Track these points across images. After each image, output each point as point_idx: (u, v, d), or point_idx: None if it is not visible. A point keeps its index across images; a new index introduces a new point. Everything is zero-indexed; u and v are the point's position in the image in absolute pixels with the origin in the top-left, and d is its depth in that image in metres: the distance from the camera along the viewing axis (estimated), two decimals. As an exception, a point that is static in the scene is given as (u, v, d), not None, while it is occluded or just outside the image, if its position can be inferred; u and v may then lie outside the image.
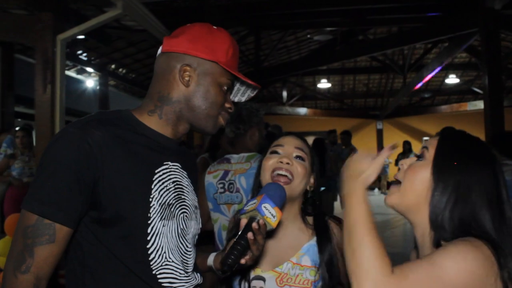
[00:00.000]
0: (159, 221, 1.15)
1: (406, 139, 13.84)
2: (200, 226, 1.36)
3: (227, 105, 1.28)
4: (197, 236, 1.36)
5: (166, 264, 1.17)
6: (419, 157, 1.15)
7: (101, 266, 1.11)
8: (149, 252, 1.14)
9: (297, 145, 1.56)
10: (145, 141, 1.20)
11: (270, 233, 1.29)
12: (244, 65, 11.52)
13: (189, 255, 1.27)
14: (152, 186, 1.16)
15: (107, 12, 4.72)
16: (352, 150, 8.12)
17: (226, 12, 7.79)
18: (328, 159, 7.32)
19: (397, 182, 1.16)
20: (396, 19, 8.89)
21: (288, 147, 1.55)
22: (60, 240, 1.07)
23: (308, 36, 11.67)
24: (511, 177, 3.87)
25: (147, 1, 5.36)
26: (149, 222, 1.13)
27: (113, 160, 1.10)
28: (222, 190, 2.61)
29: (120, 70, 11.65)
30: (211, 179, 2.66)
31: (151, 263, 1.14)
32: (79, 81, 11.35)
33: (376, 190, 15.24)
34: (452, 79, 14.93)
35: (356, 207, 1.04)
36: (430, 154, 1.13)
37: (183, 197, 1.26)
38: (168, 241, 1.18)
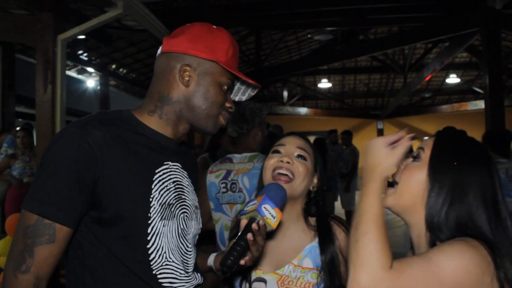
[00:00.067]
0: (159, 221, 1.15)
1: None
2: (201, 226, 1.36)
3: (227, 104, 1.27)
4: (197, 236, 1.36)
5: (166, 264, 1.17)
6: (415, 158, 1.15)
7: (101, 266, 1.11)
8: (149, 252, 1.14)
9: (299, 144, 1.55)
10: (145, 141, 1.20)
11: (272, 234, 1.28)
12: (245, 65, 11.51)
13: (190, 255, 1.27)
14: (153, 186, 1.16)
15: (107, 12, 4.71)
16: (353, 150, 8.12)
17: (227, 12, 7.78)
18: (328, 159, 7.32)
19: (393, 183, 1.16)
20: (397, 18, 8.87)
21: (290, 146, 1.54)
22: (60, 240, 1.07)
23: (309, 36, 11.66)
24: (505, 175, 3.89)
25: (147, 1, 5.36)
26: (149, 222, 1.13)
27: (114, 160, 1.10)
28: (224, 190, 2.60)
29: (121, 70, 11.64)
30: (213, 178, 2.65)
31: (151, 263, 1.14)
32: (80, 81, 11.34)
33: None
34: (452, 79, 14.91)
35: (369, 198, 1.02)
36: (426, 155, 1.13)
37: (183, 197, 1.26)
38: (168, 241, 1.18)
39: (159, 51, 1.27)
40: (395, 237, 7.98)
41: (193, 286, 1.24)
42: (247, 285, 1.50)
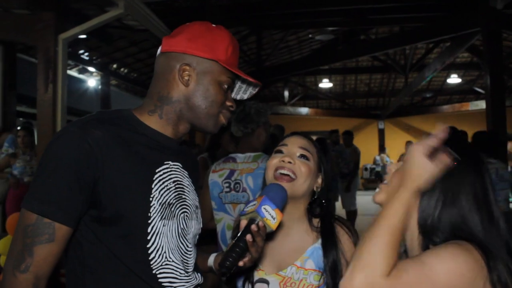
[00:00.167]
0: (159, 221, 1.15)
1: (407, 139, 13.82)
2: (201, 226, 1.36)
3: (228, 103, 1.27)
4: (197, 236, 1.35)
5: (166, 264, 1.17)
6: None
7: (101, 266, 1.11)
8: (149, 251, 1.13)
9: (301, 144, 1.54)
10: (146, 141, 1.20)
11: (274, 235, 1.27)
12: (246, 64, 11.50)
13: (190, 255, 1.27)
14: (153, 186, 1.16)
15: (108, 12, 4.71)
16: (354, 150, 8.12)
17: (228, 11, 7.79)
18: (329, 159, 7.31)
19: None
20: (398, 18, 8.86)
21: (292, 146, 1.54)
22: (60, 239, 1.07)
23: (310, 35, 11.65)
24: (495, 175, 3.91)
25: (148, 1, 5.36)
26: (149, 221, 1.13)
27: (114, 159, 1.10)
28: (227, 190, 2.60)
29: (122, 69, 11.64)
30: (216, 178, 2.65)
31: (151, 262, 1.14)
32: (81, 81, 11.35)
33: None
34: (454, 79, 14.89)
35: (394, 204, 0.99)
36: None
37: (183, 196, 1.26)
38: (168, 241, 1.18)
39: (159, 51, 1.27)
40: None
41: (193, 286, 1.24)
42: (250, 286, 1.49)
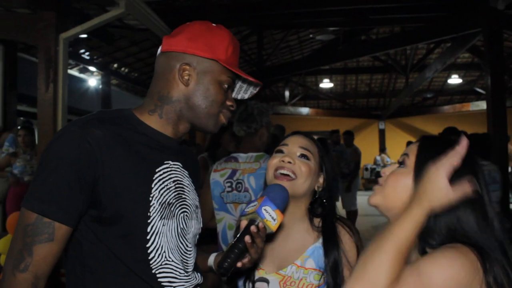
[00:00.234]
0: (159, 220, 1.15)
1: (408, 140, 13.82)
2: (201, 225, 1.36)
3: (228, 103, 1.27)
4: (198, 236, 1.35)
5: (166, 264, 1.16)
6: (401, 164, 1.15)
7: (101, 266, 1.11)
8: (148, 251, 1.13)
9: (302, 144, 1.54)
10: (146, 140, 1.20)
11: (276, 234, 1.27)
12: (247, 64, 11.50)
13: (189, 254, 1.26)
14: (153, 185, 1.16)
15: (109, 11, 4.72)
16: (355, 150, 8.11)
17: (229, 11, 7.78)
18: (330, 159, 7.29)
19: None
20: (399, 19, 8.86)
21: (292, 146, 1.53)
22: (59, 238, 1.07)
23: (311, 35, 11.65)
24: (487, 177, 3.95)
25: (149, 0, 5.36)
26: (149, 221, 1.13)
27: (114, 159, 1.10)
28: (229, 189, 2.60)
29: (123, 69, 11.65)
30: (217, 177, 2.65)
31: (151, 262, 1.14)
32: (82, 80, 11.35)
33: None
34: (454, 79, 14.90)
35: (405, 221, 0.95)
36: (411, 161, 1.12)
37: (183, 196, 1.26)
38: (168, 241, 1.17)
39: (159, 50, 1.26)
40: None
41: (192, 286, 1.24)
42: (250, 285, 1.49)
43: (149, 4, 5.20)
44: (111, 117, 1.18)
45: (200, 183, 1.62)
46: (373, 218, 8.28)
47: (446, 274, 0.92)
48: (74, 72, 10.81)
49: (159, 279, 1.15)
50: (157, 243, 1.15)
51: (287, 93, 14.93)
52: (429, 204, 0.96)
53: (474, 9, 6.93)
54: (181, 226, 1.23)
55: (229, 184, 2.61)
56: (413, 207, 0.96)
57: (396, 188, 1.12)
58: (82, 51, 9.77)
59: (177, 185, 1.24)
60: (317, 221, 1.52)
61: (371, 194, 1.18)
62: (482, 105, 12.60)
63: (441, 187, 0.95)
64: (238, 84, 1.37)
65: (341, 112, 17.44)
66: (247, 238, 1.16)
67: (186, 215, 1.26)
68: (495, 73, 6.45)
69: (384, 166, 15.09)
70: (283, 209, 1.25)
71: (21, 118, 8.34)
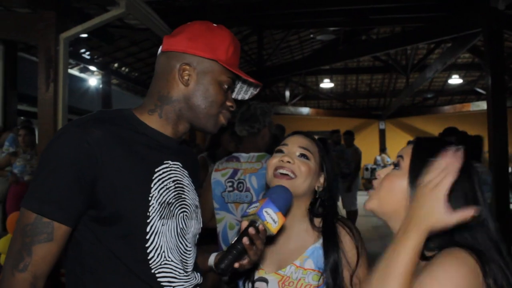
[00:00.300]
0: (158, 220, 1.15)
1: (408, 140, 13.79)
2: (201, 225, 1.36)
3: (228, 103, 1.27)
4: (198, 236, 1.35)
5: (165, 264, 1.16)
6: (395, 166, 1.15)
7: (101, 266, 1.11)
8: (148, 251, 1.13)
9: (301, 144, 1.53)
10: (146, 140, 1.19)
11: (276, 235, 1.27)
12: (247, 64, 11.50)
13: (189, 254, 1.26)
14: (152, 185, 1.15)
15: (110, 11, 4.72)
16: (355, 150, 8.11)
17: (229, 11, 7.77)
18: (331, 159, 7.30)
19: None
20: (399, 19, 8.85)
21: (292, 146, 1.53)
22: (59, 238, 1.07)
23: (311, 35, 11.64)
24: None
25: (150, 0, 5.36)
26: (148, 221, 1.13)
27: (113, 159, 1.10)
28: (230, 189, 2.60)
29: (123, 69, 11.65)
30: (219, 177, 2.65)
31: (150, 262, 1.14)
32: (82, 80, 11.35)
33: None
34: (455, 80, 14.89)
35: (405, 250, 0.93)
36: (405, 163, 1.12)
37: (183, 196, 1.25)
38: (167, 240, 1.17)
39: (159, 50, 1.26)
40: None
41: (192, 286, 1.24)
42: (250, 284, 1.49)
43: (150, 4, 5.20)
44: (111, 117, 1.18)
45: (200, 183, 1.62)
46: (373, 218, 8.21)
47: None
48: (74, 71, 10.81)
49: (158, 279, 1.14)
50: (156, 243, 1.15)
51: (287, 93, 14.92)
52: (426, 228, 0.94)
53: (474, 9, 6.92)
54: (181, 226, 1.23)
55: (230, 184, 2.61)
56: (411, 232, 0.94)
57: (391, 190, 1.12)
58: (82, 50, 9.77)
59: (176, 185, 1.24)
60: (317, 221, 1.52)
61: (366, 200, 1.17)
62: (483, 105, 12.61)
63: (440, 212, 0.93)
64: (239, 84, 1.36)
65: (342, 112, 17.44)
66: (245, 240, 1.15)
67: (186, 215, 1.25)
68: (496, 73, 6.44)
69: (385, 166, 15.08)
70: (285, 212, 1.24)
71: (21, 118, 8.35)
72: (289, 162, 1.48)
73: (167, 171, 1.21)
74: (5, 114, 7.64)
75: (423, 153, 1.12)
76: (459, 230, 1.02)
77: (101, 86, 11.29)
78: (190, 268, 1.26)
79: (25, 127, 6.11)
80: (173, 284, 1.18)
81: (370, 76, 15.80)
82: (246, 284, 1.50)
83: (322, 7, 7.80)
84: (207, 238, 2.13)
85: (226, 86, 1.24)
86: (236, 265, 1.18)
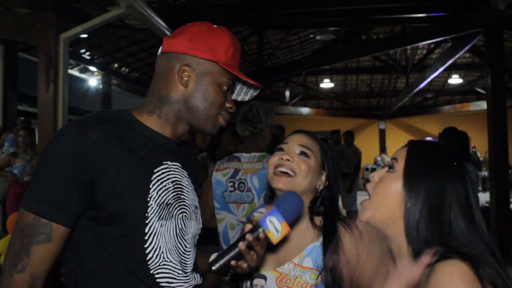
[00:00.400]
0: (157, 221, 1.15)
1: (408, 139, 13.80)
2: (201, 226, 1.35)
3: (227, 105, 1.26)
4: (197, 236, 1.35)
5: (164, 264, 1.16)
6: (389, 168, 1.14)
7: (101, 266, 1.11)
8: (146, 252, 1.13)
9: (301, 142, 1.54)
10: (144, 141, 1.19)
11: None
12: (247, 64, 11.50)
13: (188, 255, 1.26)
14: (151, 186, 1.15)
15: (110, 11, 4.72)
16: (355, 150, 8.11)
17: (229, 11, 7.77)
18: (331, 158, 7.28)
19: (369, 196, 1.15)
20: (399, 19, 8.86)
21: (292, 144, 1.54)
22: (57, 239, 1.07)
23: (311, 35, 11.65)
24: None
25: (150, 0, 5.36)
26: (146, 222, 1.13)
27: (112, 159, 1.10)
28: (232, 189, 2.60)
29: (123, 69, 11.65)
30: (220, 177, 2.65)
31: (149, 262, 1.14)
32: (82, 80, 11.36)
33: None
34: (455, 79, 14.89)
35: None
36: (399, 165, 1.11)
37: (182, 197, 1.25)
38: (166, 241, 1.17)
39: (159, 51, 1.26)
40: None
41: (191, 287, 1.24)
42: (249, 281, 1.50)
43: (150, 4, 5.21)
44: (110, 117, 1.18)
45: (200, 183, 1.62)
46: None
47: None
48: (74, 72, 10.82)
49: (157, 280, 1.14)
50: (155, 243, 1.15)
51: (287, 93, 14.93)
52: None
53: (474, 9, 6.92)
54: (180, 226, 1.23)
55: (231, 184, 2.61)
56: None
57: (385, 195, 1.11)
58: (82, 51, 9.77)
59: (176, 186, 1.23)
60: (318, 220, 1.51)
61: (360, 211, 1.16)
62: (483, 105, 12.60)
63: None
64: (239, 86, 1.36)
65: (342, 112, 17.44)
66: (241, 245, 1.15)
67: (185, 216, 1.25)
68: (496, 73, 6.45)
69: (385, 166, 15.08)
70: (291, 222, 1.21)
71: (22, 118, 8.35)
72: (288, 160, 1.48)
73: (166, 172, 1.21)
74: (5, 114, 7.64)
75: (418, 155, 1.11)
76: (454, 235, 1.02)
77: (101, 86, 11.30)
78: (189, 269, 1.26)
79: (25, 128, 6.11)
80: (172, 285, 1.17)
81: (370, 76, 15.80)
82: (245, 281, 1.50)
83: (322, 7, 7.80)
84: (208, 238, 2.13)
85: (225, 88, 1.24)
86: (233, 262, 1.16)
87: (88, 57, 10.20)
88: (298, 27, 10.28)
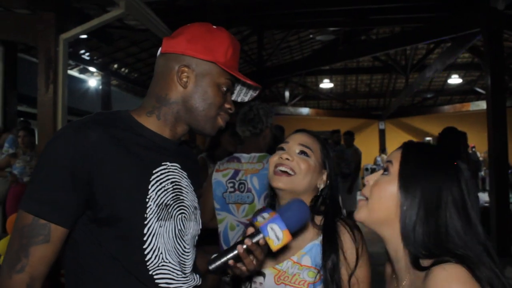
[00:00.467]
0: (155, 222, 1.15)
1: (408, 140, 13.79)
2: (200, 227, 1.35)
3: (226, 105, 1.26)
4: (197, 237, 1.35)
5: (163, 265, 1.16)
6: (384, 170, 1.14)
7: (100, 266, 1.11)
8: (145, 252, 1.13)
9: (302, 141, 1.54)
10: (143, 142, 1.19)
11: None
12: (247, 64, 11.51)
13: (187, 256, 1.26)
14: (149, 187, 1.15)
15: (110, 12, 4.73)
16: (355, 150, 8.10)
17: (229, 11, 7.77)
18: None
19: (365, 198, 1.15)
20: (399, 19, 8.87)
21: (292, 143, 1.54)
22: (55, 240, 1.07)
23: (311, 36, 11.65)
24: None
25: (149, 1, 5.36)
26: (145, 222, 1.13)
27: (110, 160, 1.10)
28: (232, 190, 2.60)
29: (123, 69, 11.66)
30: (220, 177, 2.64)
31: (148, 263, 1.14)
32: (82, 81, 11.36)
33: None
34: (454, 79, 14.90)
35: None
36: (394, 168, 1.11)
37: (181, 197, 1.25)
38: (165, 242, 1.17)
39: (159, 51, 1.26)
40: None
41: (190, 287, 1.24)
42: (248, 279, 1.50)
43: (149, 5, 5.21)
44: (109, 118, 1.18)
45: (200, 184, 1.62)
46: None
47: None
48: (74, 72, 10.82)
49: (156, 280, 1.14)
50: (154, 244, 1.15)
51: (287, 94, 14.94)
52: None
53: (474, 9, 6.93)
54: (179, 227, 1.23)
55: (231, 185, 2.61)
56: None
57: (381, 198, 1.11)
58: (82, 51, 9.78)
59: (175, 187, 1.23)
60: (318, 219, 1.51)
61: (356, 210, 1.16)
62: (482, 105, 12.60)
63: None
64: (238, 87, 1.36)
65: (341, 112, 17.45)
66: (239, 248, 1.14)
67: (184, 217, 1.25)
68: (495, 73, 6.45)
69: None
70: (294, 230, 1.20)
71: (21, 119, 8.36)
72: (288, 159, 1.48)
73: (165, 173, 1.21)
74: (5, 115, 7.65)
75: (413, 157, 1.11)
76: (450, 236, 1.02)
77: (100, 87, 11.31)
78: (188, 270, 1.25)
79: (25, 128, 6.11)
80: (171, 286, 1.17)
81: (370, 76, 15.81)
82: (245, 283, 1.50)
83: (322, 7, 7.81)
84: (208, 238, 2.13)
85: (224, 88, 1.24)
86: (231, 262, 1.16)
87: (87, 58, 10.21)
88: (298, 27, 10.29)
